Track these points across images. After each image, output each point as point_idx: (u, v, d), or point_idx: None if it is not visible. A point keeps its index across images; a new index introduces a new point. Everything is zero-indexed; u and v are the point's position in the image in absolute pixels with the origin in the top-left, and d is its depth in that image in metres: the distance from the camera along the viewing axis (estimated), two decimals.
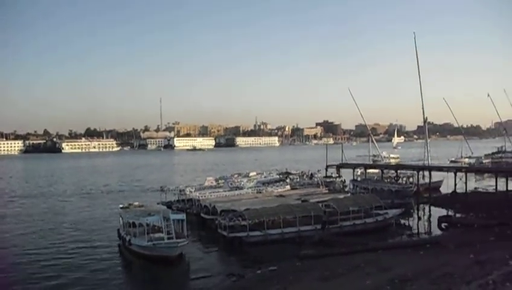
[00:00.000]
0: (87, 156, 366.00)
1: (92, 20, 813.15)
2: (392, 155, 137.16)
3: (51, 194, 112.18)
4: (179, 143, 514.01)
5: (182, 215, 53.41)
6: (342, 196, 73.00)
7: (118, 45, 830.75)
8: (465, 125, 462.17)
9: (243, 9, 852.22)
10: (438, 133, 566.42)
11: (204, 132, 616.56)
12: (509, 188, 79.82)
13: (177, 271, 47.66)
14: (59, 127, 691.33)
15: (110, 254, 54.03)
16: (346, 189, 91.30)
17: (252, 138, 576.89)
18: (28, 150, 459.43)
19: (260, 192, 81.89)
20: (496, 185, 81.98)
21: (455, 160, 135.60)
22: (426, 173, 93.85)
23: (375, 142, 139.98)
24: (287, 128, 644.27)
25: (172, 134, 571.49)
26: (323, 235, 55.35)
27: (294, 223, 57.14)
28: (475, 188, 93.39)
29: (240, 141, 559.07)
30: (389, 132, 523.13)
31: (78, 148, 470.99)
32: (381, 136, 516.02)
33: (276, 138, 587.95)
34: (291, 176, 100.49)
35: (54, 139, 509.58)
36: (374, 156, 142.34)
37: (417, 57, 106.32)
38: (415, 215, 73.83)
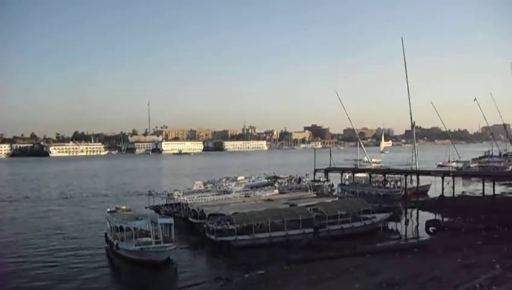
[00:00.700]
0: (75, 159, 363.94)
1: (79, 25, 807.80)
2: (374, 160, 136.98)
3: (36, 199, 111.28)
4: (167, 147, 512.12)
5: (170, 220, 53.20)
6: (330, 200, 72.91)
7: (106, 49, 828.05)
8: (452, 130, 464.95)
9: (230, 12, 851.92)
10: (425, 138, 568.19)
11: (192, 136, 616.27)
12: (496, 192, 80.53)
13: (164, 275, 47.36)
14: (46, 131, 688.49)
15: (98, 258, 53.62)
16: (334, 193, 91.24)
17: (240, 142, 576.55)
18: (14, 154, 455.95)
19: (248, 196, 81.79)
20: (483, 189, 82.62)
21: (443, 164, 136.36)
22: (414, 177, 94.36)
23: (363, 146, 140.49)
24: (275, 132, 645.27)
25: (160, 138, 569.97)
26: (312, 239, 55.44)
27: (282, 227, 57.05)
28: (462, 192, 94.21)
29: (228, 145, 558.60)
30: (377, 136, 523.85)
31: (66, 152, 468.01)
32: (369, 140, 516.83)
33: (265, 142, 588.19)
34: (279, 180, 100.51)
35: (41, 143, 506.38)
36: (355, 160, 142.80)
37: (405, 61, 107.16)
38: (403, 220, 73.99)
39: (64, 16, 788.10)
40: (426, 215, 73.18)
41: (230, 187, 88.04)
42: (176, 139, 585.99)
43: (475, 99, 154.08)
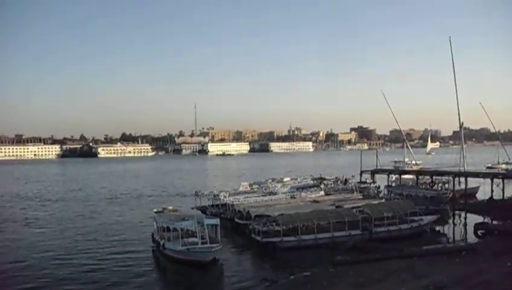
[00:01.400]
0: (122, 160, 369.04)
1: (115, 20, 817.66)
2: (414, 162, 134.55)
3: (84, 199, 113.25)
4: (213, 148, 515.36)
5: (216, 220, 53.56)
6: (376, 202, 72.51)
7: (153, 51, 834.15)
8: (502, 131, 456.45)
9: (278, 13, 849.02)
10: (474, 139, 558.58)
11: (238, 137, 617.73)
12: None
13: (210, 276, 47.66)
14: (95, 132, 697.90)
15: (144, 258, 54.34)
16: (381, 195, 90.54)
17: (286, 143, 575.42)
18: (65, 155, 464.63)
19: (294, 197, 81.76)
20: None
21: (492, 166, 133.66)
22: (462, 179, 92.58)
23: (409, 147, 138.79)
24: (321, 134, 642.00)
25: (206, 139, 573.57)
26: (359, 241, 55.15)
27: (328, 228, 56.88)
28: None
29: (274, 146, 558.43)
30: (424, 138, 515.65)
31: (114, 152, 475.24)
32: (416, 141, 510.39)
33: (310, 144, 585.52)
34: (325, 182, 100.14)
35: (90, 144, 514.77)
36: (395, 162, 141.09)
37: (453, 61, 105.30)
38: (451, 222, 72.95)
39: (114, 16, 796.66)
40: (475, 218, 72.03)
41: (276, 188, 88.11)
42: (222, 140, 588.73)
43: None
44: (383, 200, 79.41)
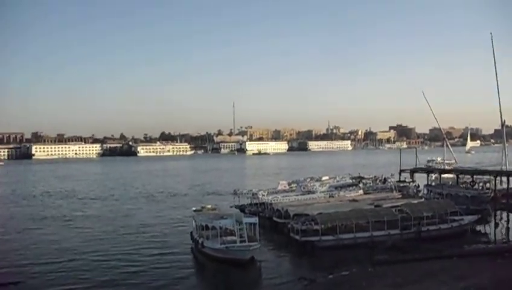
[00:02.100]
0: (161, 159, 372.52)
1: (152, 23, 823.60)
2: (447, 161, 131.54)
3: (123, 197, 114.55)
4: (251, 147, 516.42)
5: (255, 219, 53.73)
6: (415, 201, 71.81)
7: (191, 52, 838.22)
8: None
9: (315, 15, 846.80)
10: None
11: (276, 136, 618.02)
12: None
13: (249, 274, 47.90)
14: (135, 131, 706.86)
15: (183, 256, 54.97)
16: (420, 194, 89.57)
17: (325, 142, 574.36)
18: (105, 154, 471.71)
19: (333, 196, 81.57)
20: None
21: None
22: (504, 179, 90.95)
23: (449, 146, 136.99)
24: (359, 132, 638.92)
25: (245, 138, 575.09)
26: (398, 240, 54.76)
27: (367, 228, 56.62)
28: None
29: (313, 145, 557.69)
30: (464, 136, 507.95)
31: (153, 151, 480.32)
32: (456, 140, 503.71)
33: (349, 142, 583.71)
34: (364, 181, 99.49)
35: (130, 143, 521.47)
36: (428, 161, 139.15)
37: (494, 57, 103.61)
38: (492, 222, 71.65)
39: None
40: None
41: (314, 187, 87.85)
42: (260, 139, 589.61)
43: None
44: (423, 199, 78.61)
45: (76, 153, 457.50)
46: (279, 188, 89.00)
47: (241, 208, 74.74)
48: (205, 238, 53.09)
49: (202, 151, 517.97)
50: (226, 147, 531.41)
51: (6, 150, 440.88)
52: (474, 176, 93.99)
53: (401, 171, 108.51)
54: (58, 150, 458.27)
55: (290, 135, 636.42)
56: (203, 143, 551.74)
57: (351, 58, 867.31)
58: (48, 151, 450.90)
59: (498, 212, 77.71)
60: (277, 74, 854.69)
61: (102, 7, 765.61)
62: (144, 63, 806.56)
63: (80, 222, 79.63)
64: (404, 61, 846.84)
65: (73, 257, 54.16)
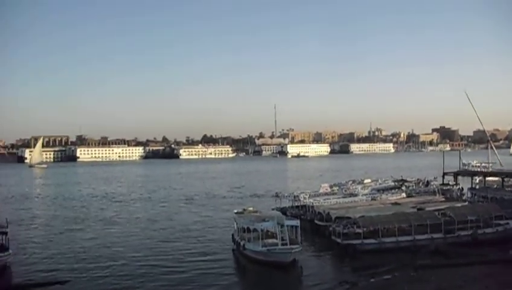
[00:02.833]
0: (203, 162, 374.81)
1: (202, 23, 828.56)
2: (484, 164, 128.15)
3: (164, 199, 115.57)
4: (292, 150, 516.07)
5: (296, 222, 53.85)
6: (459, 205, 70.72)
7: (231, 53, 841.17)
8: None
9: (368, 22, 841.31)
10: None
11: (318, 139, 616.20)
12: None
13: (290, 277, 47.98)
14: (177, 134, 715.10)
15: (224, 258, 55.31)
16: (464, 197, 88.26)
17: (367, 145, 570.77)
18: (148, 156, 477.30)
19: (375, 199, 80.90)
20: None
21: None
22: None
23: (494, 148, 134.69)
24: (402, 135, 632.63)
25: (286, 141, 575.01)
26: (440, 245, 54.13)
27: (409, 231, 55.99)
28: None
29: (354, 147, 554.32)
30: (510, 138, 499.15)
31: (195, 154, 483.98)
32: (501, 142, 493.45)
33: (391, 145, 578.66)
34: (406, 184, 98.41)
35: (172, 146, 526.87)
36: (464, 164, 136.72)
37: None
38: None
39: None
40: None
41: (356, 190, 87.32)
42: (302, 141, 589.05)
43: None
44: (466, 203, 77.43)
45: (119, 156, 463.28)
46: (321, 190, 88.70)
47: (283, 211, 74.83)
48: (246, 240, 53.29)
49: (244, 153, 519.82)
50: (268, 150, 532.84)
51: (52, 153, 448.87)
52: None
53: (445, 174, 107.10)
54: (102, 153, 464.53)
55: (332, 137, 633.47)
56: (245, 146, 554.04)
57: (394, 57, 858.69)
58: (92, 153, 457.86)
59: None
60: (318, 77, 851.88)
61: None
62: (185, 64, 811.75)
63: (121, 224, 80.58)
64: (448, 61, 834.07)
65: (115, 259, 54.97)
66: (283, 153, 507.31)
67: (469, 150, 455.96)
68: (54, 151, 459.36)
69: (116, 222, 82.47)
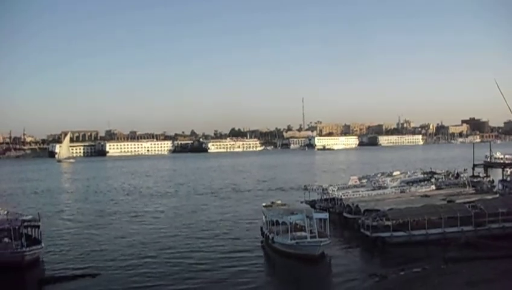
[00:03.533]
0: (231, 155, 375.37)
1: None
2: (508, 156, 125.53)
3: (192, 192, 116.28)
4: (320, 142, 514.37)
5: (325, 215, 53.84)
6: (490, 197, 70.09)
7: (258, 46, 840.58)
8: None
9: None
10: None
11: (346, 131, 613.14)
12: None
13: (319, 270, 48.00)
14: (205, 128, 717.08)
15: (253, 251, 55.51)
16: (495, 189, 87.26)
17: (395, 137, 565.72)
18: (176, 150, 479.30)
19: (404, 192, 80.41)
20: None
21: None
22: None
23: None
24: (431, 127, 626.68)
25: (314, 133, 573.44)
26: (471, 237, 53.62)
27: (439, 224, 55.60)
28: None
29: (383, 139, 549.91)
30: None
31: (223, 148, 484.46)
32: None
33: (420, 136, 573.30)
34: (436, 176, 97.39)
35: (200, 140, 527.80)
36: (486, 156, 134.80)
37: None
38: None
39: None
40: None
41: (385, 182, 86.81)
42: (330, 134, 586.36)
43: None
44: (497, 195, 76.59)
45: (148, 150, 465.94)
46: (350, 183, 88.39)
47: (312, 204, 74.59)
48: (275, 233, 53.44)
49: (272, 147, 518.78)
50: (296, 143, 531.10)
51: (82, 148, 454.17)
52: None
53: (475, 165, 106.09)
54: (131, 147, 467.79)
55: (360, 129, 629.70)
56: (273, 139, 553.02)
57: (421, 48, 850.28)
58: (121, 148, 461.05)
59: None
60: (345, 67, 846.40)
61: None
62: (214, 58, 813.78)
63: (149, 217, 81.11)
64: (476, 51, 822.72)
65: (144, 253, 55.34)
66: (311, 145, 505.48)
67: (499, 141, 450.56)
68: (84, 146, 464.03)
69: (144, 216, 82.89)
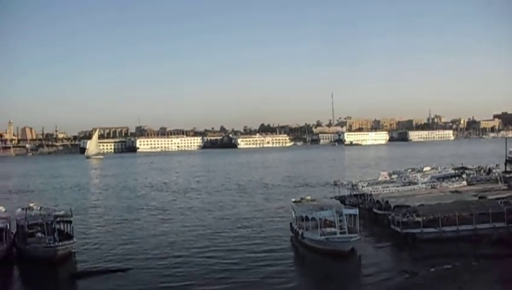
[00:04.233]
0: (261, 151, 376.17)
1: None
2: None
3: (222, 188, 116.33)
4: (349, 138, 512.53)
5: (355, 210, 53.59)
6: None
7: (286, 43, 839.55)
8: None
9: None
10: None
11: (376, 126, 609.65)
12: None
13: (348, 266, 48.04)
14: (235, 124, 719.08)
15: (283, 246, 55.55)
16: None
17: (425, 132, 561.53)
18: (206, 146, 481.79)
19: (434, 187, 79.54)
20: None
21: None
22: None
23: None
24: (462, 121, 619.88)
25: (344, 129, 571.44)
26: (503, 234, 52.99)
27: (470, 220, 55.07)
28: None
29: (413, 135, 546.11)
30: None
31: (253, 143, 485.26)
32: None
33: (451, 132, 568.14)
34: (467, 171, 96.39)
35: (230, 135, 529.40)
36: (510, 152, 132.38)
37: None
38: None
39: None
40: None
41: (416, 178, 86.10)
42: (360, 129, 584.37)
43: None
44: None
45: (178, 146, 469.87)
46: (380, 179, 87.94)
47: (341, 199, 74.50)
48: (305, 229, 53.47)
49: (301, 142, 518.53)
50: (325, 138, 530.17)
51: (112, 144, 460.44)
52: None
53: (507, 161, 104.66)
54: (161, 143, 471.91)
55: (390, 125, 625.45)
56: (302, 134, 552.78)
57: (449, 41, 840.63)
58: (151, 144, 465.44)
59: None
60: (375, 64, 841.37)
61: None
62: (244, 54, 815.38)
63: (178, 214, 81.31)
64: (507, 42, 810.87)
65: (173, 249, 55.72)
66: (340, 141, 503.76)
67: None
68: (115, 142, 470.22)
69: (173, 211, 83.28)
